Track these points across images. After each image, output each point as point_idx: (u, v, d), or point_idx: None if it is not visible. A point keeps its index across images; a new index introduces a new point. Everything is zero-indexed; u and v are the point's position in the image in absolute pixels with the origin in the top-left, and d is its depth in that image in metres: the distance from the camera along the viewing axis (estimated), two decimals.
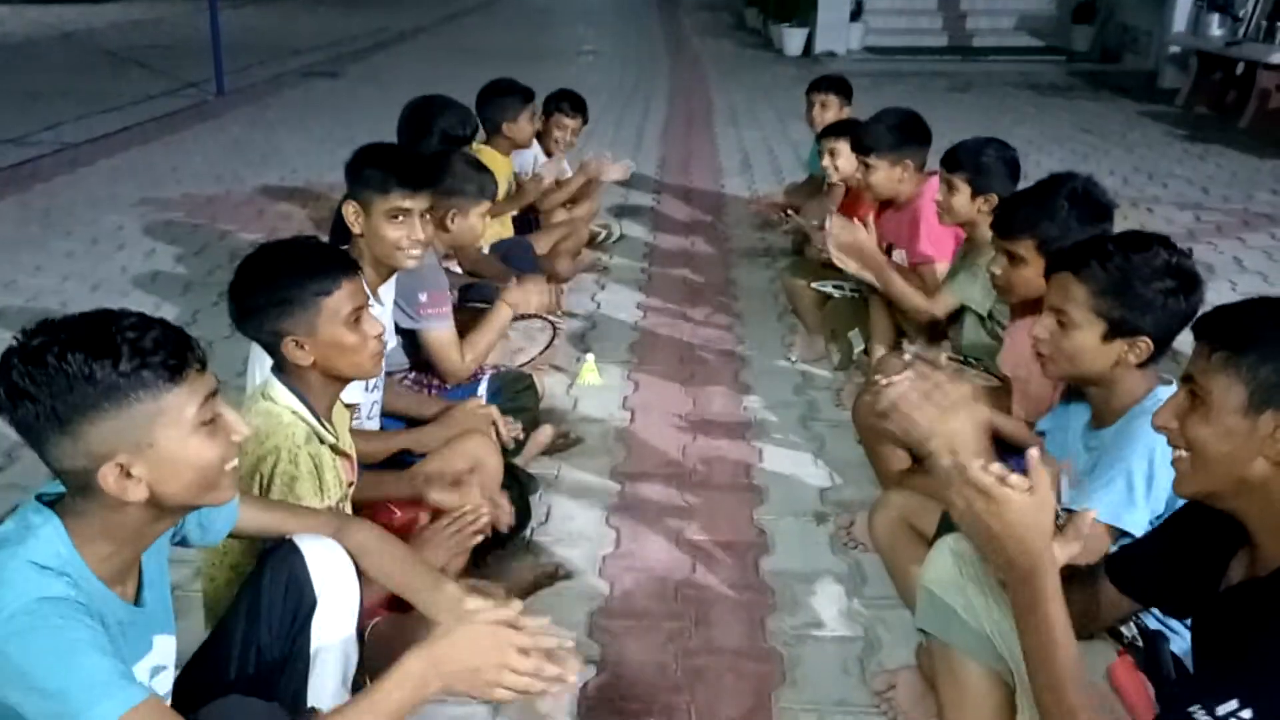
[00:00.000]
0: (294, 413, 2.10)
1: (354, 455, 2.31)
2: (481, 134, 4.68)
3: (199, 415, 1.48)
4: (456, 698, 2.36)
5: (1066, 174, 2.75)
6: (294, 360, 2.11)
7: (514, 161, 5.03)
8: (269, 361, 2.18)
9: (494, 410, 2.92)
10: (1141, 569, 1.79)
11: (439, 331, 3.11)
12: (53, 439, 1.42)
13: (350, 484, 2.27)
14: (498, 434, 2.87)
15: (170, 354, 1.45)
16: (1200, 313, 1.64)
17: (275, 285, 2.10)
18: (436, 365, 3.14)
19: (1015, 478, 1.55)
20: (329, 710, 1.61)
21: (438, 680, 1.56)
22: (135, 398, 1.42)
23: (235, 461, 1.57)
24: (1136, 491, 2.00)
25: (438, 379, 3.20)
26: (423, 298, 3.05)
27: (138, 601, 1.57)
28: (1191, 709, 1.35)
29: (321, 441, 2.13)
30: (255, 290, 2.11)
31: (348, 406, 2.47)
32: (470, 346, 3.19)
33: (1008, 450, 2.72)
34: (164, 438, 1.45)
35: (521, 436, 3.00)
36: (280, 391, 2.12)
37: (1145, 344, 2.05)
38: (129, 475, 1.43)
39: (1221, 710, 1.32)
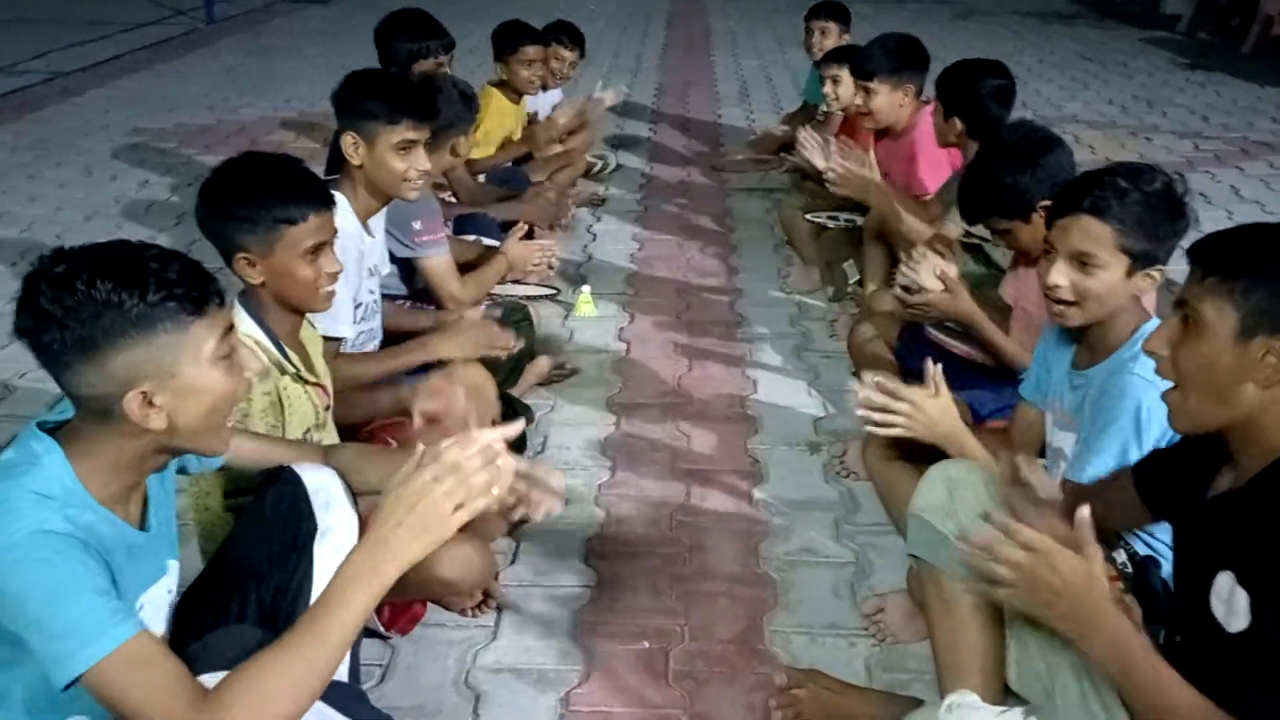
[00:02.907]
0: (256, 342, 2.10)
1: (327, 383, 2.32)
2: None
3: (218, 349, 1.49)
4: (455, 620, 2.43)
5: (989, 135, 2.81)
6: (243, 276, 2.11)
7: (530, 104, 5.07)
8: None
9: (488, 323, 2.91)
10: (1156, 477, 1.81)
11: (436, 259, 3.13)
12: (76, 365, 1.42)
13: (327, 407, 2.28)
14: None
15: (193, 286, 1.47)
16: (1196, 239, 1.65)
17: (244, 199, 2.09)
18: (436, 293, 3.16)
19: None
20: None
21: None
22: (162, 328, 1.43)
23: (244, 393, 1.60)
24: (1129, 455, 2.01)
25: (435, 305, 3.21)
26: (417, 225, 3.05)
27: (144, 526, 1.60)
28: None
29: (283, 372, 2.14)
30: (225, 197, 2.10)
31: (329, 339, 2.49)
32: (473, 281, 3.25)
33: (1004, 378, 2.77)
34: (186, 369, 1.46)
35: (517, 347, 2.93)
36: (243, 319, 2.11)
37: (1159, 273, 2.07)
38: (151, 404, 1.45)
39: None
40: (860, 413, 2.30)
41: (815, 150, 3.80)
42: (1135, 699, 1.54)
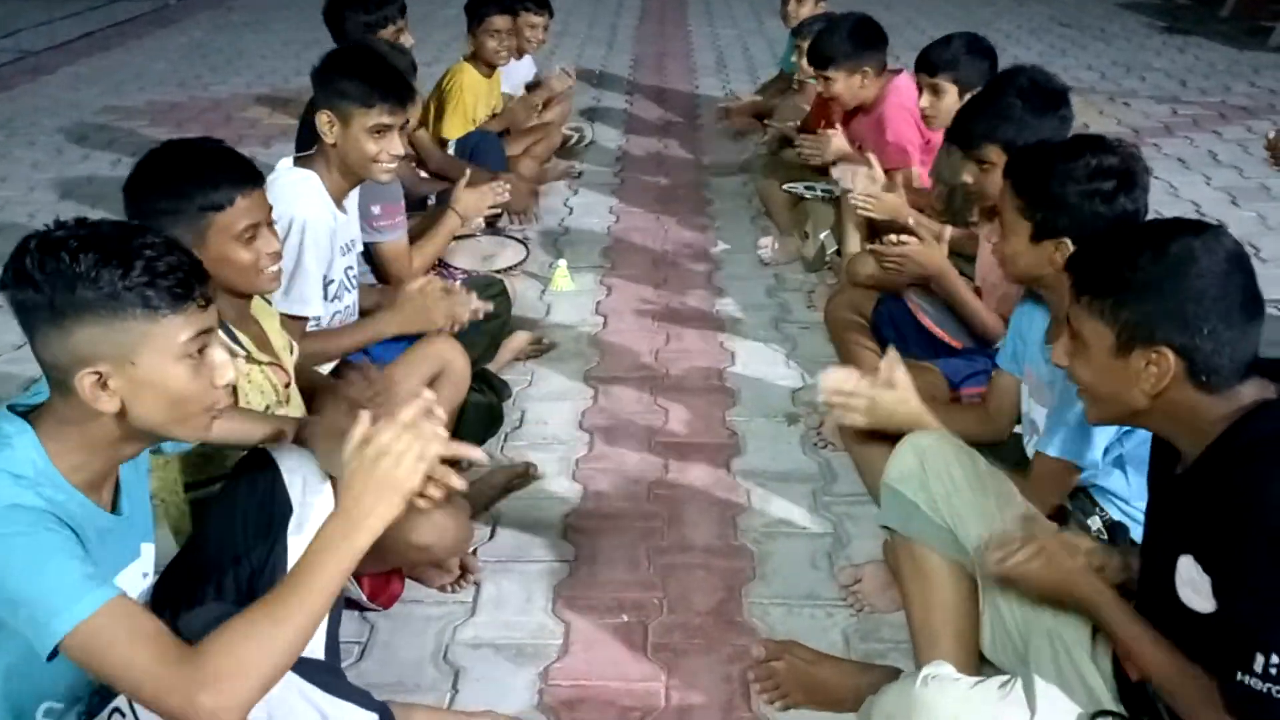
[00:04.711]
0: None
1: (285, 361, 2.30)
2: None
3: (186, 347, 1.47)
4: (434, 596, 2.43)
5: (1012, 70, 2.74)
6: None
7: (507, 77, 5.03)
8: None
9: (441, 286, 2.85)
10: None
11: (391, 242, 3.10)
12: (43, 330, 1.42)
13: (287, 384, 2.27)
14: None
15: (179, 282, 1.45)
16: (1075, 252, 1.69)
17: (168, 191, 2.02)
18: (386, 272, 3.13)
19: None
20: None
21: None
22: (131, 313, 1.42)
23: (223, 403, 1.57)
24: (1093, 431, 2.02)
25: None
26: (375, 210, 3.01)
27: (115, 510, 1.59)
28: (1241, 678, 1.38)
29: (232, 355, 2.12)
30: (148, 191, 2.03)
31: (298, 319, 2.47)
32: (418, 253, 3.20)
33: (981, 344, 2.78)
34: (147, 359, 1.44)
35: (487, 309, 2.94)
36: None
37: (1066, 244, 2.05)
38: (105, 386, 1.43)
39: (1259, 666, 1.36)
40: (823, 402, 2.30)
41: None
42: (1134, 658, 1.63)
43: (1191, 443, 1.51)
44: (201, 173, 2.05)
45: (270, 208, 2.15)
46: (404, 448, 1.48)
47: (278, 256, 2.15)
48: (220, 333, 2.07)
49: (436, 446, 1.52)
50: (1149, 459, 1.70)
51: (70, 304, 1.40)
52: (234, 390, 2.08)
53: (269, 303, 2.35)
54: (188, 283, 1.46)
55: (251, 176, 2.09)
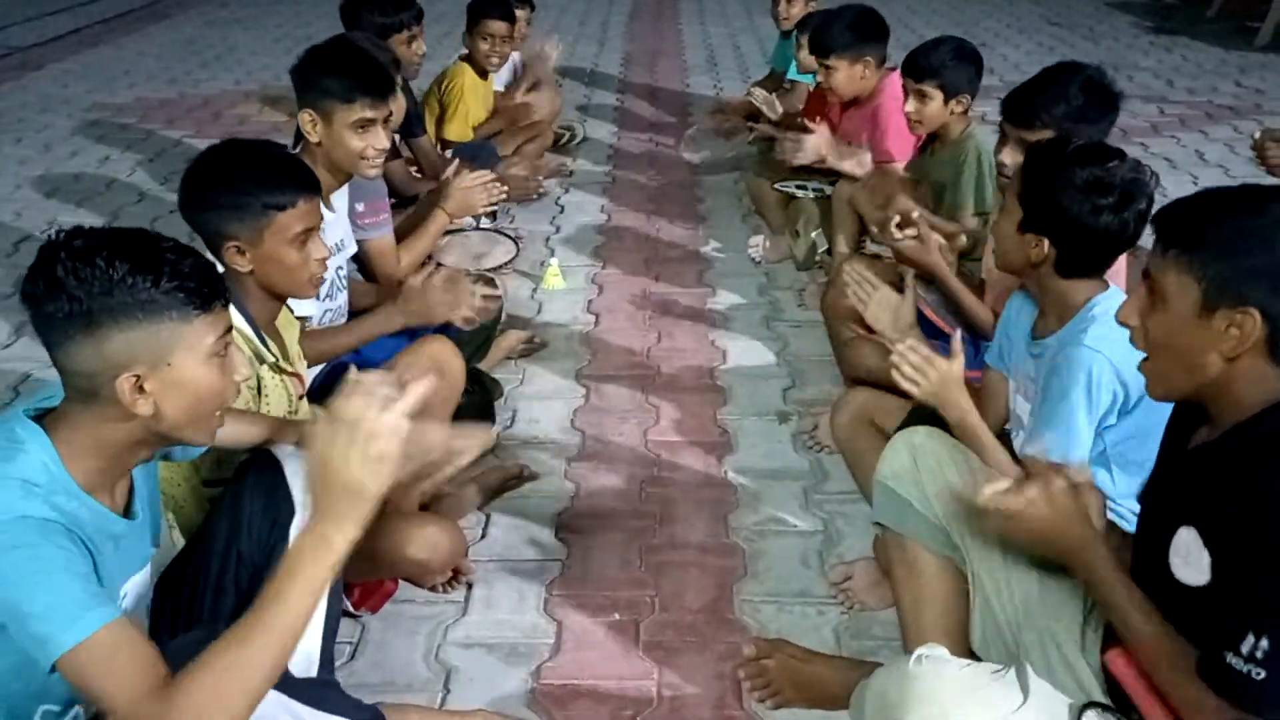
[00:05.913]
0: (237, 330, 2.08)
1: (302, 372, 2.31)
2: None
3: (214, 346, 1.51)
4: (426, 596, 2.44)
5: (1079, 62, 2.77)
6: (231, 265, 2.10)
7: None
8: None
9: (445, 276, 2.79)
10: None
11: (377, 239, 3.08)
12: (75, 339, 1.44)
13: (301, 396, 2.28)
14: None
15: (204, 283, 1.50)
16: (1155, 210, 1.65)
17: (233, 187, 2.07)
18: (374, 271, 3.11)
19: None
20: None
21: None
22: (167, 316, 1.46)
23: (233, 399, 1.60)
24: (1079, 429, 2.03)
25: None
26: (360, 208, 3.00)
27: (128, 514, 1.60)
28: (1224, 655, 1.39)
29: (261, 361, 2.13)
30: (211, 185, 2.09)
31: (300, 319, 2.47)
32: (406, 250, 3.17)
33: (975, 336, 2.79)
34: (181, 360, 1.48)
35: (488, 308, 2.90)
36: None
37: (1044, 243, 2.08)
38: (141, 390, 1.46)
39: (1245, 648, 1.37)
40: (894, 363, 2.20)
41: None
42: (1113, 621, 1.63)
43: (1232, 413, 1.50)
44: (269, 172, 2.10)
45: (322, 216, 2.19)
46: (361, 445, 1.41)
47: (324, 264, 2.19)
48: (251, 333, 2.11)
49: (394, 440, 1.43)
50: (1166, 428, 1.70)
51: (107, 311, 1.43)
52: (259, 395, 2.10)
53: (291, 311, 2.36)
54: (211, 283, 1.51)
55: (313, 183, 2.16)
